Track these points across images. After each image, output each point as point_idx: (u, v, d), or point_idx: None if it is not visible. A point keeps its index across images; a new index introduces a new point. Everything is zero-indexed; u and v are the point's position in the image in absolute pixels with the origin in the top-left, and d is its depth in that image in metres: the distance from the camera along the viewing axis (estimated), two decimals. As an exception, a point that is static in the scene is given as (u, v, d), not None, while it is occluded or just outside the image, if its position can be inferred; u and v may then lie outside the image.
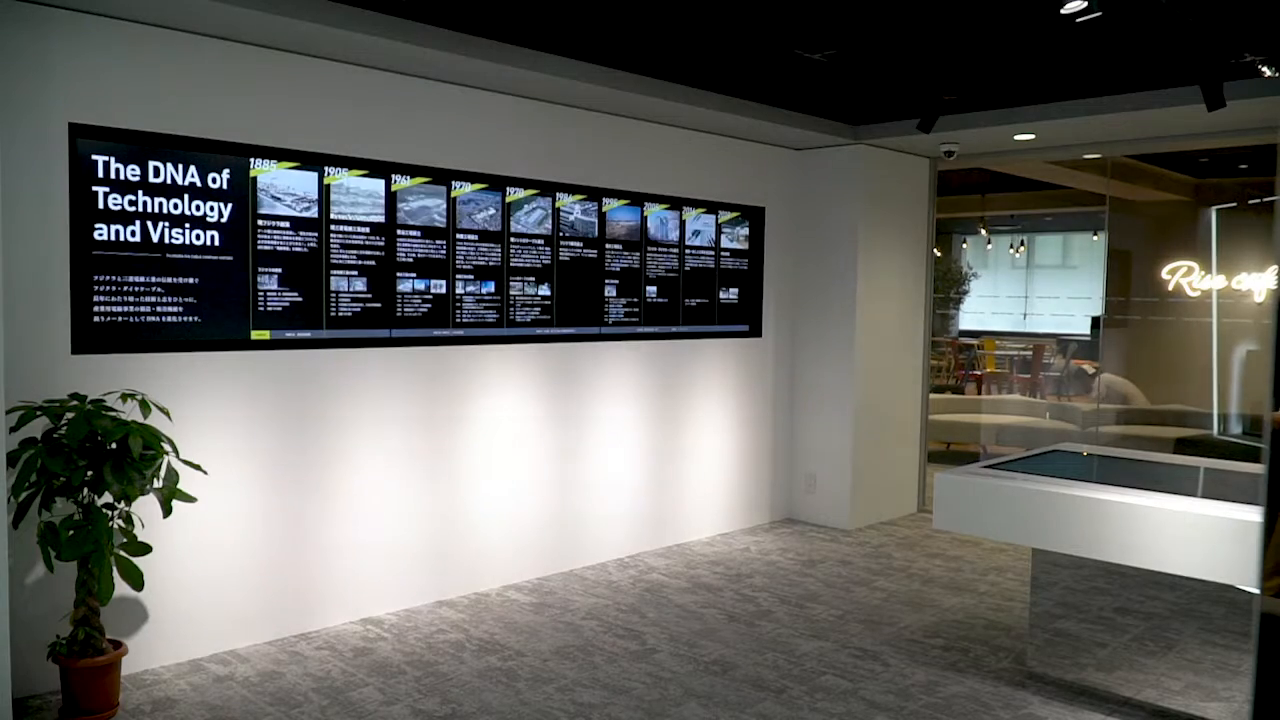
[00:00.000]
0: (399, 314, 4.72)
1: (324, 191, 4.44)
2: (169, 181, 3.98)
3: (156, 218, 3.95)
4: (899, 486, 7.01)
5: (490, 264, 5.06)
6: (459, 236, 4.93)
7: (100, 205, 3.81)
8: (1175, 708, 3.63)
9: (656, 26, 4.30)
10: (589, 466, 5.60)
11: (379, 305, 4.64)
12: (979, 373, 11.30)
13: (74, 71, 3.68)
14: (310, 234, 4.39)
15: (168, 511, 3.59)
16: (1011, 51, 4.65)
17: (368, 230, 4.59)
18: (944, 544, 6.22)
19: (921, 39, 4.45)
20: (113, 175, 3.84)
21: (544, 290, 5.32)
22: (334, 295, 4.49)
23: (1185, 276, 7.63)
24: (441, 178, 4.84)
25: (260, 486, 4.27)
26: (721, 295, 6.36)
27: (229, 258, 4.16)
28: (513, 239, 5.16)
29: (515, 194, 5.15)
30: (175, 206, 4.00)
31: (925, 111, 5.60)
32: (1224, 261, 7.53)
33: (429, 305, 4.83)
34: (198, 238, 4.06)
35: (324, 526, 4.48)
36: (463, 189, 4.94)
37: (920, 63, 4.89)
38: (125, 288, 3.90)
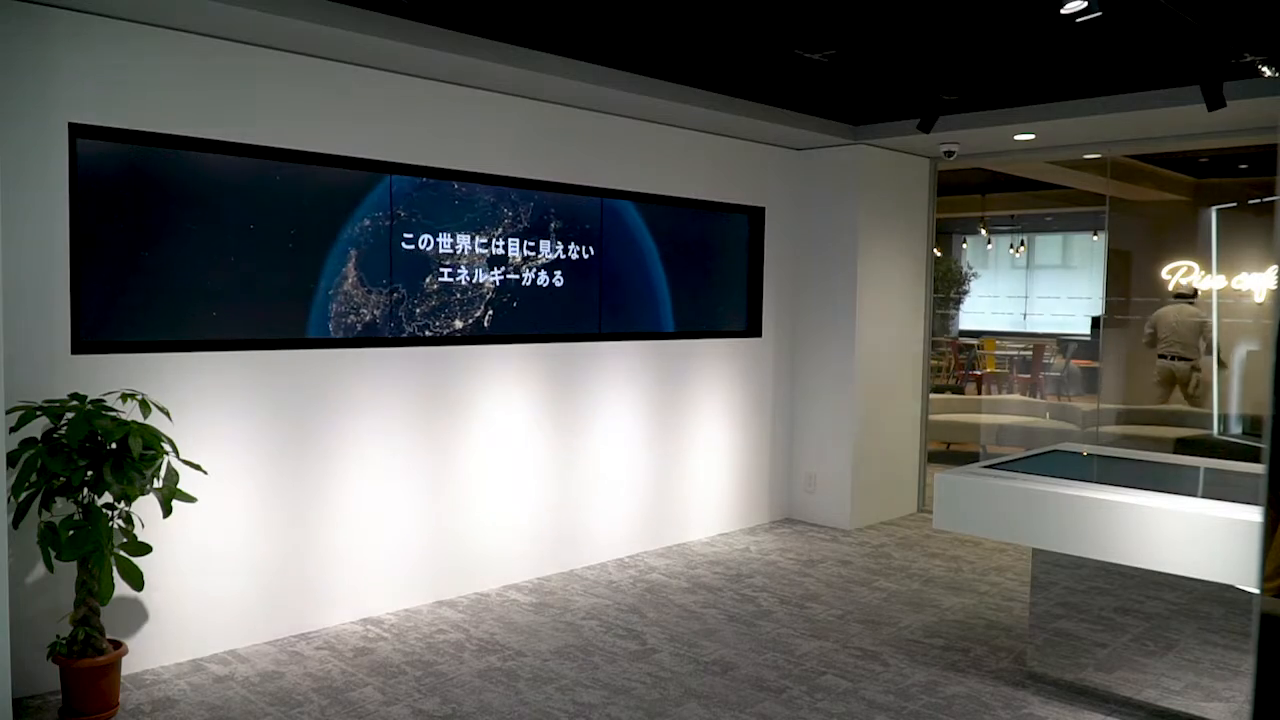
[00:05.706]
0: (399, 314, 4.72)
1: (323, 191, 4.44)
2: (169, 181, 3.98)
3: (156, 217, 3.96)
4: (899, 486, 7.01)
5: (490, 264, 5.06)
6: (458, 236, 4.93)
7: (100, 205, 3.81)
8: (1175, 708, 3.63)
9: (656, 26, 4.30)
10: (589, 466, 5.59)
11: (379, 305, 4.64)
12: (979, 372, 11.30)
13: (74, 71, 3.68)
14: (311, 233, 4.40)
15: (168, 511, 3.59)
16: (1011, 51, 4.65)
17: (368, 230, 4.58)
18: (944, 544, 6.22)
19: (921, 39, 4.46)
20: (113, 175, 3.84)
21: (544, 290, 5.32)
22: (334, 295, 4.49)
23: (1185, 276, 7.64)
24: (441, 177, 4.84)
25: (260, 486, 4.27)
26: (721, 295, 6.36)
27: (230, 257, 4.16)
28: (512, 239, 5.16)
29: (514, 194, 5.15)
30: (175, 206, 4.00)
31: (925, 111, 5.60)
32: (1224, 261, 7.53)
33: (429, 305, 4.83)
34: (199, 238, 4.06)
35: (324, 526, 4.48)
36: (462, 188, 4.94)
37: (920, 63, 4.89)
38: (126, 287, 3.90)
